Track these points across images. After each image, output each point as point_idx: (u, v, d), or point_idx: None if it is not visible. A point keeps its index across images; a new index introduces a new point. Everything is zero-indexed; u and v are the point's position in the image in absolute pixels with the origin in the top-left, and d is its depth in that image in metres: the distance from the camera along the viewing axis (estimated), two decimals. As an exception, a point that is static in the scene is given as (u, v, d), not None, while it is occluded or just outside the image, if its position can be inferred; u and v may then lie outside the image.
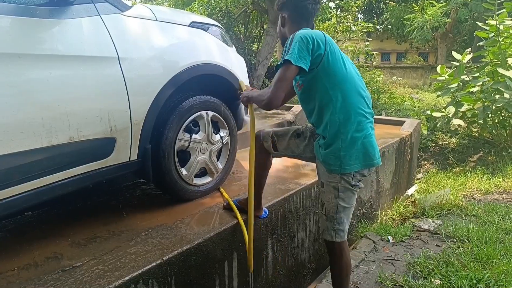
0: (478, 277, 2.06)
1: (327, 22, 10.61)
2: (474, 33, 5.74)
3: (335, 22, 10.46)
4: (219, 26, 2.65)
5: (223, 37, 2.60)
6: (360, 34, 10.72)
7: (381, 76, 9.54)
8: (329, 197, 1.69)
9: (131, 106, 1.87)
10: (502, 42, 4.82)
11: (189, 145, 2.23)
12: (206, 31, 2.42)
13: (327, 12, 10.16)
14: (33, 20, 1.55)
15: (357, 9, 10.25)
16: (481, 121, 5.30)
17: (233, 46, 2.76)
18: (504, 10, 4.74)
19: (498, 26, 4.74)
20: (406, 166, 4.36)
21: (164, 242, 1.84)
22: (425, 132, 6.11)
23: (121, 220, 2.12)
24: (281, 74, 1.57)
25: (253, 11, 8.07)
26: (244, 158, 3.22)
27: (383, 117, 6.15)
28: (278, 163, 3.05)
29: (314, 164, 1.84)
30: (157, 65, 2.01)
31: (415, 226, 2.97)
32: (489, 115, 5.08)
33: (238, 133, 2.68)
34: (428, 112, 6.00)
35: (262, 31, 8.24)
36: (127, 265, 1.63)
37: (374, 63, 12.21)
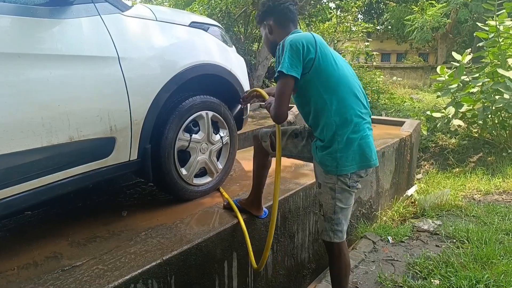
0: (477, 277, 2.05)
1: (327, 22, 10.60)
2: (474, 34, 5.74)
3: (335, 23, 10.45)
4: (219, 26, 2.65)
5: (223, 37, 2.60)
6: (360, 35, 10.72)
7: (381, 76, 9.53)
8: (326, 197, 1.68)
9: (131, 106, 1.87)
10: (502, 43, 4.82)
11: (189, 145, 2.23)
12: (206, 31, 2.43)
13: (327, 12, 10.16)
14: (33, 20, 1.56)
15: (357, 10, 10.25)
16: (481, 122, 5.30)
17: (233, 46, 2.76)
18: (504, 10, 4.74)
19: (498, 26, 4.74)
20: (406, 167, 4.37)
21: (163, 242, 1.84)
22: (425, 132, 6.11)
23: (121, 219, 2.12)
24: (279, 89, 1.58)
25: (253, 12, 8.06)
26: (244, 158, 3.23)
27: (383, 117, 6.15)
28: (278, 163, 3.05)
29: (313, 166, 1.84)
30: (157, 65, 2.01)
31: (415, 226, 2.97)
32: (489, 116, 5.08)
33: (238, 133, 2.68)
34: (428, 112, 5.99)
35: (262, 32, 8.22)
36: (126, 265, 1.63)
37: (374, 63, 12.21)
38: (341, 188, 1.65)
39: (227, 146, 2.53)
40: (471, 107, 5.29)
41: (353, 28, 10.51)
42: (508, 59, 4.83)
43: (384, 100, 9.04)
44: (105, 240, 1.87)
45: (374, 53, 11.03)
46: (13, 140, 1.47)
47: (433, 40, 15.60)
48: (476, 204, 3.39)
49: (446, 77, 5.39)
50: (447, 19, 13.23)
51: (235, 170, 2.97)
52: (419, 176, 5.38)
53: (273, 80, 1.94)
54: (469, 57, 5.32)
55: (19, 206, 1.60)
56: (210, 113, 2.34)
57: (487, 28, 4.93)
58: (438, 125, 5.70)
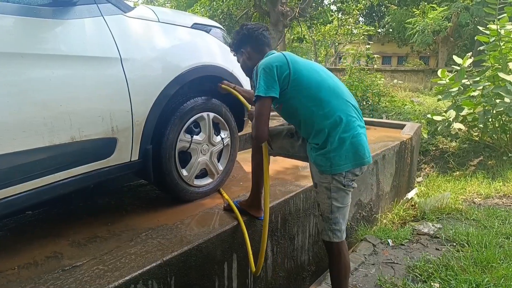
0: (477, 281, 2.05)
1: (328, 25, 10.63)
2: (475, 38, 5.74)
3: (337, 25, 10.48)
4: (221, 28, 2.66)
5: (225, 39, 2.61)
6: (361, 37, 10.76)
7: (382, 79, 9.53)
8: (323, 197, 1.70)
9: (132, 107, 1.88)
10: (503, 47, 4.83)
11: (190, 146, 2.23)
12: (208, 32, 2.43)
13: (328, 15, 10.19)
14: (37, 20, 1.56)
15: (358, 13, 10.29)
16: (481, 125, 5.30)
17: (235, 48, 2.77)
18: (505, 15, 4.75)
19: (499, 30, 4.75)
20: (406, 170, 4.37)
21: (164, 243, 1.84)
22: (425, 135, 6.11)
23: (121, 220, 2.12)
24: (258, 111, 1.67)
25: (255, 13, 8.09)
26: (245, 160, 3.23)
27: (384, 120, 6.15)
28: (278, 165, 3.06)
29: (309, 166, 1.85)
30: (159, 66, 2.02)
31: (415, 229, 2.97)
32: (490, 120, 5.08)
33: (239, 134, 2.68)
34: (429, 115, 6.00)
35: (263, 33, 8.23)
36: (127, 265, 1.63)
37: (375, 66, 12.22)
38: (336, 187, 1.66)
39: (228, 147, 2.54)
40: (471, 111, 5.30)
41: (354, 31, 10.55)
42: (509, 63, 4.84)
43: (385, 103, 9.04)
44: (105, 241, 1.87)
45: (375, 55, 11.03)
46: (15, 139, 1.47)
47: (434, 43, 15.60)
48: (476, 208, 3.39)
49: (447, 81, 5.40)
50: (448, 23, 13.25)
51: (235, 172, 2.97)
52: (419, 179, 5.38)
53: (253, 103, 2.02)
54: (470, 60, 5.33)
55: (20, 205, 1.60)
56: (212, 115, 2.34)
57: (488, 32, 4.94)
58: (438, 128, 5.70)
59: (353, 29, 10.50)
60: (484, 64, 5.39)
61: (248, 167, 3.02)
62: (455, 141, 6.04)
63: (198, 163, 2.32)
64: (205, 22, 2.52)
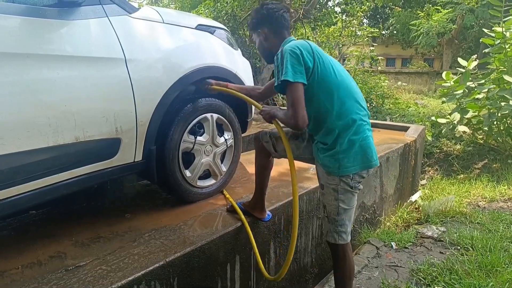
0: (482, 285, 2.04)
1: (332, 26, 10.61)
2: (480, 40, 5.72)
3: (341, 27, 10.46)
4: (225, 29, 2.66)
5: (229, 40, 2.61)
6: (365, 39, 10.73)
7: (386, 81, 9.53)
8: (329, 199, 1.69)
9: (136, 107, 1.88)
10: (508, 49, 4.80)
11: (193, 147, 2.23)
12: (212, 34, 2.43)
13: (332, 16, 10.17)
14: (42, 21, 1.57)
15: (362, 14, 10.27)
16: (486, 128, 5.27)
17: (239, 49, 2.77)
18: (510, 17, 4.72)
19: (504, 33, 4.72)
20: (410, 172, 4.34)
21: (167, 244, 1.84)
22: (429, 138, 6.08)
23: (125, 220, 2.12)
24: (292, 96, 1.56)
25: (259, 15, 8.08)
26: (248, 161, 3.23)
27: (388, 122, 6.13)
28: (281, 167, 3.05)
29: (316, 168, 1.84)
30: (163, 67, 2.02)
31: (419, 232, 2.95)
32: (495, 122, 5.05)
33: (242, 136, 2.68)
34: (433, 118, 5.97)
35: (267, 35, 8.24)
36: (130, 266, 1.64)
37: (379, 68, 12.20)
38: (343, 189, 1.65)
39: (231, 148, 2.53)
40: (476, 113, 5.27)
41: (358, 33, 10.52)
42: (514, 66, 4.81)
43: (389, 105, 9.03)
44: (108, 241, 1.88)
45: (379, 57, 11.03)
46: (19, 139, 1.48)
47: (438, 45, 15.56)
48: (480, 211, 3.36)
49: (452, 83, 5.38)
50: (453, 25, 13.21)
51: (239, 173, 2.97)
52: (423, 182, 5.35)
53: (275, 90, 1.90)
54: (474, 63, 5.30)
55: (24, 205, 1.61)
56: (215, 116, 2.34)
57: (493, 34, 4.92)
58: (443, 131, 5.67)
59: (357, 31, 10.47)
60: (489, 66, 5.36)
61: (251, 169, 3.02)
62: (460, 144, 6.00)
63: (202, 164, 2.32)
64: (209, 23, 2.52)
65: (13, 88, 1.46)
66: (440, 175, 5.43)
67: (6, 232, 2.02)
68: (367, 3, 10.32)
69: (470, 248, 2.56)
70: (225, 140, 2.45)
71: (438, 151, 6.14)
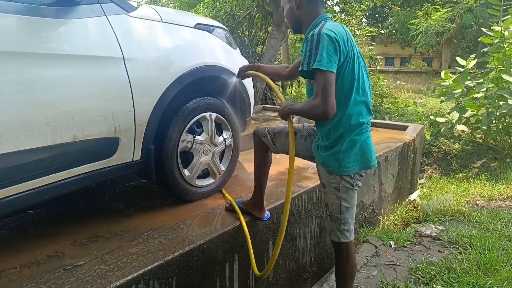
0: (480, 284, 2.04)
1: (331, 26, 10.59)
2: (479, 39, 5.72)
3: (340, 26, 10.45)
4: (224, 28, 2.66)
5: (228, 39, 2.61)
6: (364, 38, 10.72)
7: (385, 80, 9.53)
8: (331, 197, 1.69)
9: (135, 107, 1.88)
10: (507, 48, 4.81)
11: (192, 146, 2.23)
12: (211, 33, 2.43)
13: (331, 16, 10.17)
14: (40, 20, 1.56)
15: (361, 14, 10.26)
16: (485, 127, 5.28)
17: (238, 48, 2.77)
18: (509, 16, 4.73)
19: (503, 32, 4.73)
20: (409, 171, 4.35)
21: (165, 243, 1.84)
22: (428, 137, 6.09)
23: (123, 220, 2.12)
24: (323, 84, 1.45)
25: (258, 14, 8.09)
26: (247, 160, 3.23)
27: (387, 121, 6.13)
28: (280, 166, 3.05)
29: (316, 167, 1.84)
30: (162, 66, 2.02)
31: (417, 231, 2.96)
32: (493, 121, 5.06)
33: (241, 135, 2.68)
34: (432, 117, 5.98)
35: (266, 34, 8.26)
36: (128, 265, 1.63)
37: (378, 67, 12.18)
38: (345, 188, 1.66)
39: (230, 147, 2.53)
40: (475, 113, 5.28)
41: (357, 32, 10.51)
42: (513, 65, 4.81)
43: (388, 104, 9.03)
44: (107, 240, 1.87)
45: (378, 57, 11.00)
46: (18, 138, 1.48)
47: (437, 44, 15.56)
48: (479, 210, 3.37)
49: (450, 82, 5.38)
50: (452, 24, 13.21)
51: (237, 172, 2.97)
52: (422, 181, 5.36)
53: (300, 72, 1.77)
54: (473, 62, 5.31)
55: (22, 204, 1.60)
56: (214, 115, 2.34)
57: (492, 34, 4.92)
58: (441, 130, 5.68)
59: (356, 30, 10.46)
60: (487, 65, 5.36)
61: (250, 168, 3.02)
62: (458, 143, 6.01)
63: (200, 163, 2.31)
64: (208, 22, 2.52)
65: (11, 87, 1.45)
66: (438, 174, 5.44)
67: (4, 231, 2.01)
68: (366, 3, 10.32)
69: (469, 247, 2.57)
70: (224, 139, 2.45)
71: (436, 150, 6.15)
